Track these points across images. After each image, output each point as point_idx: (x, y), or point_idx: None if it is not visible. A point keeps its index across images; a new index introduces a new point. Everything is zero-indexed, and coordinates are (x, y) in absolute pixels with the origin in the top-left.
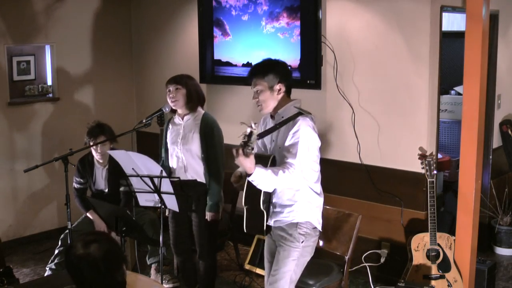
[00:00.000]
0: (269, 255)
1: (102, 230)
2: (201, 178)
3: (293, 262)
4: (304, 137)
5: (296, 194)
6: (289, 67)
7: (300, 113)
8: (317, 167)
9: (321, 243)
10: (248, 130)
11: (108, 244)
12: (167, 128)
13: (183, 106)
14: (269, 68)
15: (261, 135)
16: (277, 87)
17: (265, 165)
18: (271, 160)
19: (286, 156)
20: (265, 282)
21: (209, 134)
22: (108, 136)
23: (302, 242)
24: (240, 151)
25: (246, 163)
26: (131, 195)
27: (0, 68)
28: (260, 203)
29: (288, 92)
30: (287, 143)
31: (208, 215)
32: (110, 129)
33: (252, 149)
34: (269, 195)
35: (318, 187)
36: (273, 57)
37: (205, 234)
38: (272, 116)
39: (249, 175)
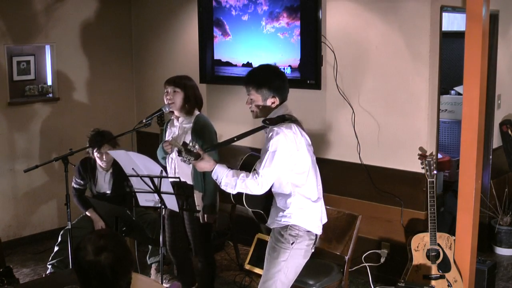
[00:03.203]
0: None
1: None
2: (191, 180)
3: (283, 263)
4: (273, 148)
5: (287, 201)
6: (285, 76)
7: (264, 126)
8: (301, 171)
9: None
10: (176, 149)
11: (119, 252)
12: (166, 129)
13: (179, 109)
14: (264, 82)
15: (212, 147)
16: (271, 100)
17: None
18: (245, 157)
19: (256, 164)
20: None
21: (201, 135)
22: (111, 144)
23: (292, 243)
24: (187, 163)
25: (201, 165)
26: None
27: (0, 68)
28: (244, 202)
29: (282, 101)
30: (261, 152)
31: (204, 217)
32: (110, 134)
33: (194, 159)
34: (260, 197)
35: (313, 193)
36: (271, 64)
37: (197, 233)
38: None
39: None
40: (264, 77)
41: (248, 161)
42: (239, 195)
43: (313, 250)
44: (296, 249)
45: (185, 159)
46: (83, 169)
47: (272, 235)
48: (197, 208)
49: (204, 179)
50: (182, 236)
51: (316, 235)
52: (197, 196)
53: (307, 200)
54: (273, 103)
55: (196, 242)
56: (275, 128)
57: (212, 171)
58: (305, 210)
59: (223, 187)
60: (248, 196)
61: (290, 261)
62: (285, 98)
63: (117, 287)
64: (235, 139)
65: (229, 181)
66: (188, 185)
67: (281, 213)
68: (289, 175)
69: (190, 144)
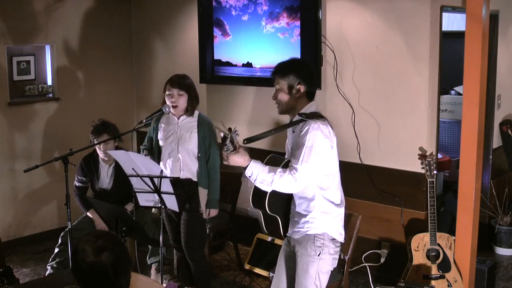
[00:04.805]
0: (282, 262)
1: (102, 229)
2: (196, 178)
3: (314, 275)
4: (310, 142)
5: (310, 205)
6: (313, 69)
7: (302, 120)
8: (329, 172)
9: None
10: (222, 134)
11: (118, 251)
12: (159, 126)
13: (182, 111)
14: (291, 68)
15: (250, 139)
16: (297, 87)
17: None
18: (284, 164)
19: (291, 160)
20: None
21: (208, 133)
22: (111, 135)
23: (319, 254)
24: (225, 154)
25: (236, 159)
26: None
27: (0, 68)
28: (266, 207)
29: (309, 95)
30: (294, 148)
31: (209, 211)
32: (114, 127)
33: (232, 150)
34: (283, 202)
35: (336, 197)
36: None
37: (194, 232)
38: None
39: (245, 169)
40: (291, 65)
41: (270, 163)
42: (261, 199)
43: (341, 257)
44: (323, 259)
45: (228, 147)
46: (86, 166)
47: (292, 245)
48: (201, 204)
49: (209, 175)
50: None
51: (340, 243)
52: (202, 193)
53: (330, 204)
54: (298, 90)
55: (190, 244)
56: (312, 122)
57: (246, 167)
58: (329, 215)
59: (258, 184)
60: (271, 199)
61: (320, 271)
62: (313, 91)
63: (118, 286)
64: (273, 132)
65: (266, 177)
66: (192, 182)
67: (303, 219)
68: (316, 176)
69: (233, 132)
